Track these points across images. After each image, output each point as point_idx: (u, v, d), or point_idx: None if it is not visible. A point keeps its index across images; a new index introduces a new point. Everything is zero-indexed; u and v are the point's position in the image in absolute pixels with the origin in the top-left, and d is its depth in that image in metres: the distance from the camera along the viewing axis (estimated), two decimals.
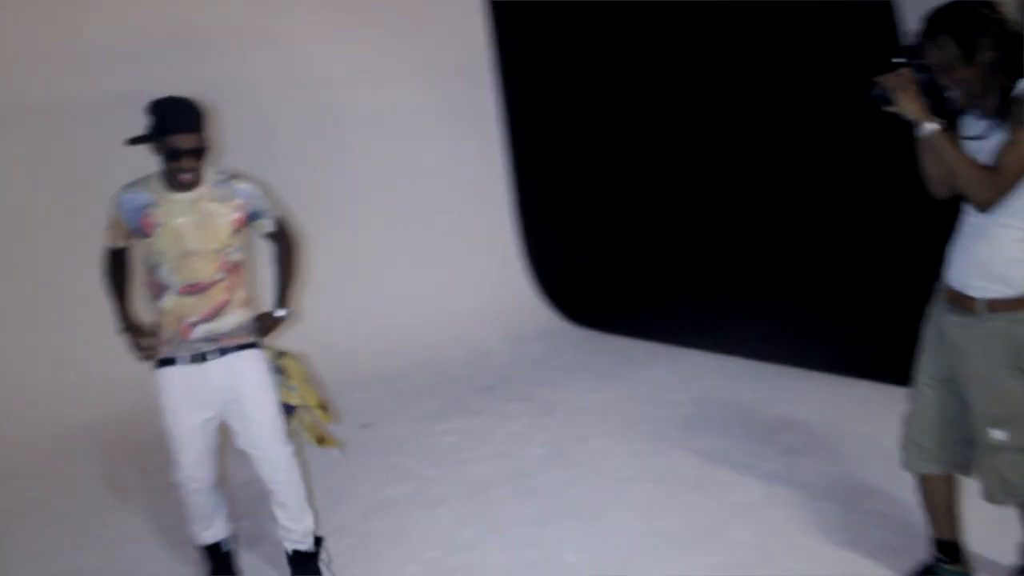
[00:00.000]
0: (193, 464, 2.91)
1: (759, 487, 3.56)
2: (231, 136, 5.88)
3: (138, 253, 2.87)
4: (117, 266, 2.97)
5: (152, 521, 3.74)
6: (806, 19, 5.74)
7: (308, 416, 3.20)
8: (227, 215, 2.81)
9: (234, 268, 2.87)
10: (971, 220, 2.40)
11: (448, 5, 6.93)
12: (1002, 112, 2.23)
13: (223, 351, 2.87)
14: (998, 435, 2.39)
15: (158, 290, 2.81)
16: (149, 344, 2.87)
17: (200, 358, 2.84)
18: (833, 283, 5.83)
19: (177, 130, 2.64)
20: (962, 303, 2.41)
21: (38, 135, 5.35)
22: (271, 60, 6.13)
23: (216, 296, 2.82)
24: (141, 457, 4.34)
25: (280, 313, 3.07)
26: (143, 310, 2.96)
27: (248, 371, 2.91)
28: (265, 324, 3.05)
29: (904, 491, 2.96)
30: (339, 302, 6.10)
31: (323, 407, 3.25)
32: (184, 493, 3.00)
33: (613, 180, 7.00)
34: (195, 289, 2.79)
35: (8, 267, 5.16)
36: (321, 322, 5.91)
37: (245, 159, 5.90)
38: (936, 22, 2.27)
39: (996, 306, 2.33)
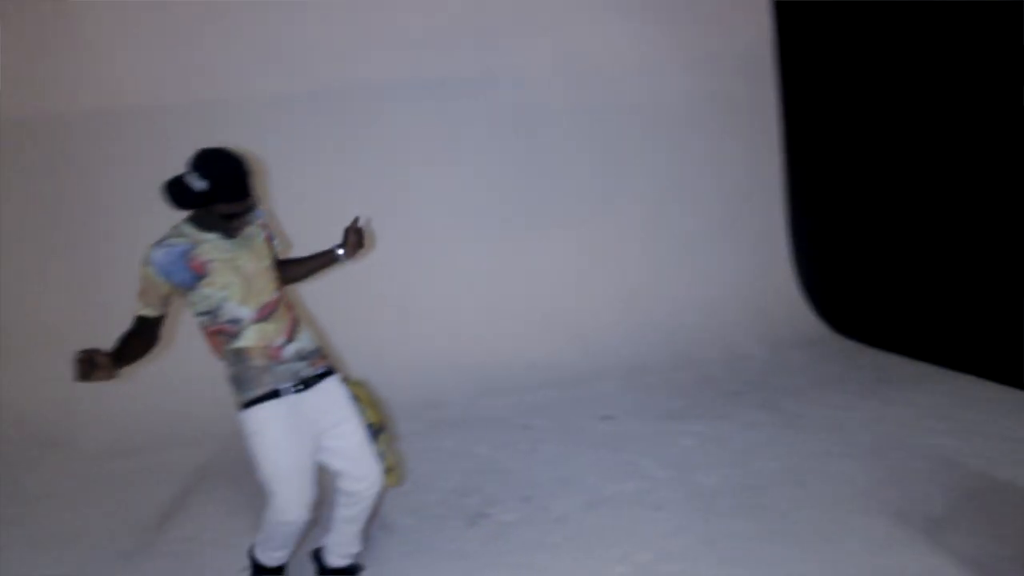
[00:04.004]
0: (306, 502, 2.85)
1: None
2: (500, 122, 6.23)
3: (190, 312, 2.82)
4: (145, 334, 2.78)
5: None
6: None
7: (386, 439, 3.17)
8: (259, 233, 2.94)
9: (282, 287, 3.00)
10: None
11: None
12: None
13: (312, 379, 2.91)
14: None
15: (231, 332, 2.80)
16: (98, 375, 2.58)
17: (304, 384, 2.88)
18: None
19: (231, 199, 2.67)
20: None
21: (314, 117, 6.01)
22: (547, 48, 6.34)
23: (284, 314, 2.90)
24: None
25: (339, 252, 3.21)
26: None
27: (340, 395, 2.98)
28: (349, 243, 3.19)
29: None
30: (594, 291, 6.27)
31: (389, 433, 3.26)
32: (286, 528, 2.89)
33: (895, 185, 6.53)
34: (267, 311, 2.84)
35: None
36: (574, 309, 6.14)
37: (514, 145, 6.25)
38: None
39: None
